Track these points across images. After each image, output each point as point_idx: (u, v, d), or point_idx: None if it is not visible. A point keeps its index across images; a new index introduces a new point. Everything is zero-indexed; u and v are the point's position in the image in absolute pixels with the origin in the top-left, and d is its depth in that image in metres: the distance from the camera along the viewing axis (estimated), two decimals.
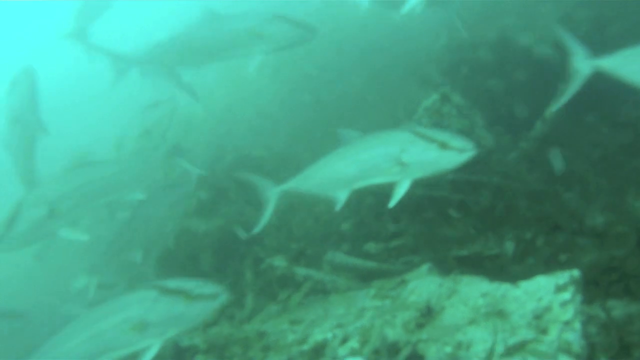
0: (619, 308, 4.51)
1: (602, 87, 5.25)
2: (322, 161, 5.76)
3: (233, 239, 7.51)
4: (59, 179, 7.16)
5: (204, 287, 5.07)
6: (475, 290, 4.49)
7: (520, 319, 4.06)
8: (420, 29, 9.80)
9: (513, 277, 4.49)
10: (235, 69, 11.35)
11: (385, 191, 5.49)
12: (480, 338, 4.06)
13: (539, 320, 4.01)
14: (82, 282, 8.45)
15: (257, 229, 6.03)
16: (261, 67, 7.34)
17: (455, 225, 6.06)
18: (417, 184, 5.38)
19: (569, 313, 3.98)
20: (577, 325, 3.90)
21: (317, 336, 5.00)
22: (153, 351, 4.99)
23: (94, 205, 7.44)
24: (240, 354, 5.38)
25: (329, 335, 4.93)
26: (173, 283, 5.12)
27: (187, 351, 5.80)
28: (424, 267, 5.14)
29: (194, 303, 5.01)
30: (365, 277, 5.85)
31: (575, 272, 4.22)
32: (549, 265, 5.05)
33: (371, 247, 6.29)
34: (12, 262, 10.25)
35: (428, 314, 4.49)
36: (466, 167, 5.46)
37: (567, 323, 3.92)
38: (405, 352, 4.29)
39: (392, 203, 5.34)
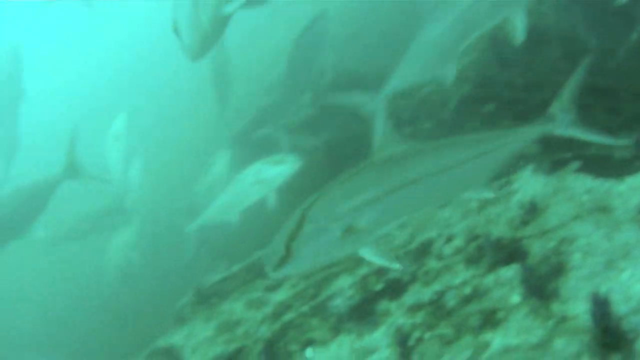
0: None
1: None
2: None
3: (342, 152, 7.74)
4: None
5: None
6: (580, 186, 4.55)
7: (624, 214, 4.10)
8: None
9: (619, 175, 4.50)
10: None
11: None
12: (583, 233, 4.16)
13: None
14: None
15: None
16: None
17: None
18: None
19: None
20: None
21: (423, 237, 5.27)
22: None
23: None
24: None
25: (434, 234, 5.18)
26: None
27: None
28: (529, 168, 5.20)
29: None
30: None
31: None
32: None
33: None
34: None
35: (532, 211, 4.60)
36: None
37: None
38: (509, 249, 4.46)
39: None
